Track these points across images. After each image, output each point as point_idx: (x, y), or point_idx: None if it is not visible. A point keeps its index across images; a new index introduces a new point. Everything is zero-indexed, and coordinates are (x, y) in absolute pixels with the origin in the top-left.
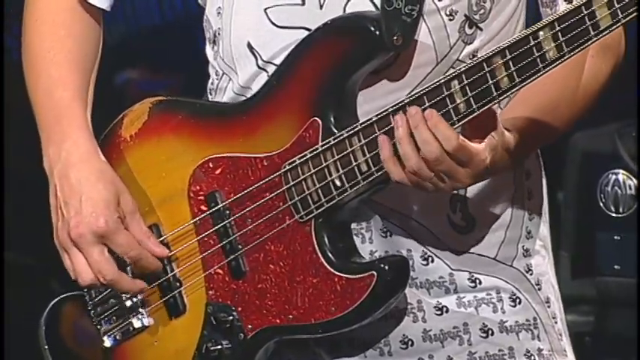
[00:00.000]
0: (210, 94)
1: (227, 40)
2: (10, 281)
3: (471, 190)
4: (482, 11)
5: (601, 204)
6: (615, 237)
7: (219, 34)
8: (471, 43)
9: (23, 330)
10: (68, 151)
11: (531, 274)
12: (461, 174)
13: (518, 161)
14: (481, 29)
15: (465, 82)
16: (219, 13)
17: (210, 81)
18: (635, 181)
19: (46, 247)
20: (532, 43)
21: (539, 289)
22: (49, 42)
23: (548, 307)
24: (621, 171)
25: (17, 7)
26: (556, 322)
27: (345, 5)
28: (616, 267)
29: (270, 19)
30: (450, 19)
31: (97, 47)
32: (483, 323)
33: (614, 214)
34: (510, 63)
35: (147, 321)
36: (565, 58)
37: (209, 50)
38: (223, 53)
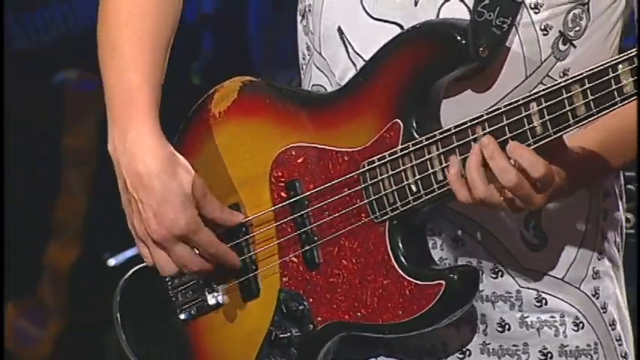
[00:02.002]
0: (302, 69)
1: (317, 19)
2: None
3: (546, 208)
4: (577, 28)
5: None
6: None
7: (309, 10)
8: (563, 60)
9: None
10: (132, 143)
11: (597, 298)
12: (535, 197)
13: (591, 182)
14: (575, 46)
15: (544, 105)
16: None
17: (302, 56)
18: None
19: None
20: (611, 75)
21: (605, 312)
22: (126, 16)
23: (613, 329)
24: None
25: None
26: (620, 345)
27: (441, 7)
28: None
29: (364, 8)
30: (545, 34)
31: (174, 22)
32: (544, 346)
33: None
34: (588, 92)
35: (222, 299)
36: None
37: (299, 23)
38: (314, 29)
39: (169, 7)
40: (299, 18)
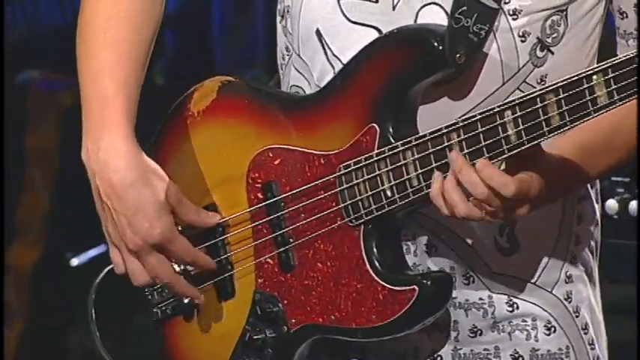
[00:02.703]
0: (282, 69)
1: (296, 20)
2: None
3: None
4: (555, 35)
5: None
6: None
7: (288, 11)
8: (540, 66)
9: None
10: (105, 151)
11: (570, 302)
12: (517, 207)
13: (567, 193)
14: (552, 53)
15: (518, 113)
16: None
17: (281, 56)
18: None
19: None
20: (585, 85)
21: (577, 316)
22: (106, 22)
23: (586, 333)
24: None
25: None
26: (593, 349)
27: (418, 11)
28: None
29: (342, 11)
30: (522, 40)
31: (154, 29)
32: (515, 349)
33: None
34: (562, 102)
35: (197, 299)
36: (615, 105)
37: (278, 23)
38: (292, 30)
39: (150, 13)
40: (278, 18)
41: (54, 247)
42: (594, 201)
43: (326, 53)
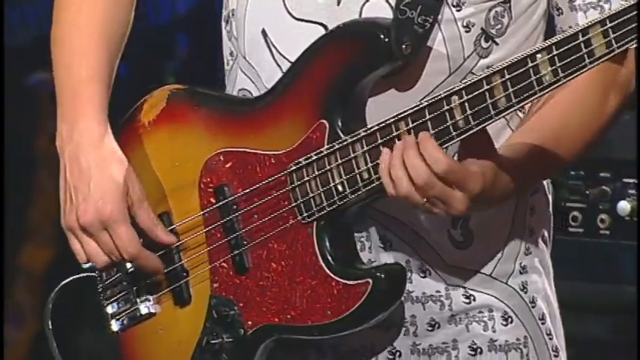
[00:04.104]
0: (226, 75)
1: (241, 23)
2: None
3: None
4: (499, 26)
5: None
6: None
7: (233, 14)
8: (486, 57)
9: None
10: (80, 134)
11: (526, 292)
12: (455, 199)
13: (519, 190)
14: (497, 44)
15: (465, 98)
16: None
17: (225, 62)
18: None
19: None
20: (530, 64)
21: (534, 307)
22: (78, 13)
23: (543, 323)
24: None
25: None
26: (551, 339)
27: (363, 5)
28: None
29: (287, 10)
30: (467, 31)
31: (127, 22)
32: (473, 341)
33: None
34: (508, 83)
35: (154, 308)
36: (560, 83)
37: (223, 29)
38: (237, 34)
39: (122, 16)
40: (223, 24)
41: (65, 249)
42: (547, 191)
43: (272, 54)
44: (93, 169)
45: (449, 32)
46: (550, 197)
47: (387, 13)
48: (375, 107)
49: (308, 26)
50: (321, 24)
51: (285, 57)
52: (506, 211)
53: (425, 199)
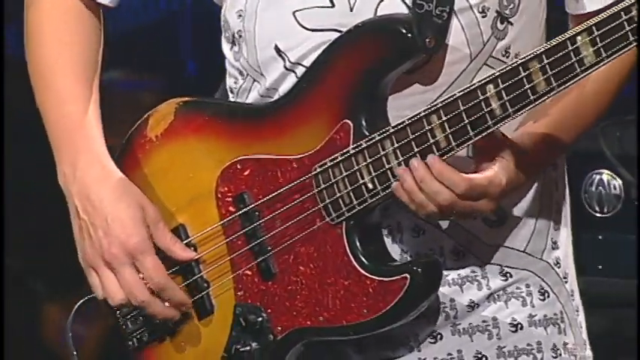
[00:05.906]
0: (232, 93)
1: (252, 44)
2: None
3: None
4: (511, 6)
5: (585, 204)
6: (599, 237)
7: (240, 35)
8: (503, 39)
9: None
10: (83, 171)
11: (559, 267)
12: (480, 207)
13: (538, 172)
14: (512, 24)
15: (501, 86)
16: (240, 16)
17: (233, 81)
18: (620, 181)
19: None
20: (570, 47)
21: (566, 282)
22: (56, 51)
23: (573, 300)
24: (605, 171)
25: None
26: (578, 315)
27: (377, 7)
28: (599, 267)
29: (299, 22)
30: (483, 16)
31: (99, 49)
32: (513, 317)
33: (598, 214)
34: (547, 67)
35: (174, 322)
36: (603, 63)
37: (227, 50)
38: (248, 55)
39: (93, 34)
40: (228, 45)
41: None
42: (565, 165)
43: (285, 63)
44: (105, 202)
45: (466, 20)
46: (565, 171)
47: (403, 11)
48: (399, 103)
49: (323, 34)
50: (336, 30)
51: (299, 63)
52: (535, 188)
53: (453, 214)
